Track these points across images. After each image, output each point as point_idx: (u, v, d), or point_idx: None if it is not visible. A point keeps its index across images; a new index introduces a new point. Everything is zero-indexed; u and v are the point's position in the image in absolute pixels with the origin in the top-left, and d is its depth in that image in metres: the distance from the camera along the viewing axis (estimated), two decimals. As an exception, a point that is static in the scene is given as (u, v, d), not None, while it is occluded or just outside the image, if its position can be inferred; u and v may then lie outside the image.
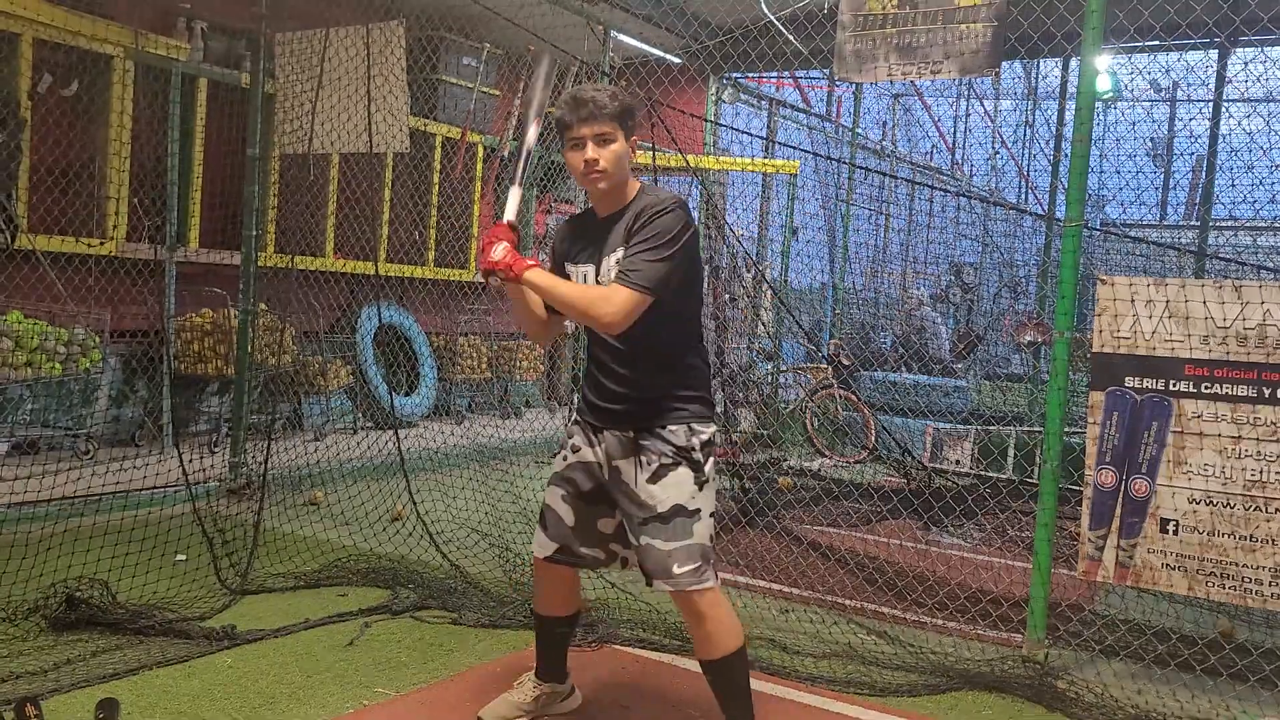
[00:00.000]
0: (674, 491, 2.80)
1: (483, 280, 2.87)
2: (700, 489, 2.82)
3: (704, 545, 2.80)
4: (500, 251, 2.78)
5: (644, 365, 2.87)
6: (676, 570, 2.76)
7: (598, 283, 2.86)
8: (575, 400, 7.80)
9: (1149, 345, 3.70)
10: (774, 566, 4.95)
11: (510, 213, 2.92)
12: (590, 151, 2.78)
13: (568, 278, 2.95)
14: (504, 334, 9.51)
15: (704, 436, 2.86)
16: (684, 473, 2.81)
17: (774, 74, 10.86)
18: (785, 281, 9.56)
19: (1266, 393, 3.53)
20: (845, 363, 8.75)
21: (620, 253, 2.80)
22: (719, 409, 6.86)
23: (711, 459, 2.87)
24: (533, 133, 3.00)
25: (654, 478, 2.81)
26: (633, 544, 2.89)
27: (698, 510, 2.80)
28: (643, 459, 2.83)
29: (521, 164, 3.00)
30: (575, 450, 3.01)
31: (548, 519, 3.04)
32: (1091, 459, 3.79)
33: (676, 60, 8.65)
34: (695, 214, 2.82)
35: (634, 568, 3.04)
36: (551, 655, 3.19)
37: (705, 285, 4.68)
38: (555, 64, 3.18)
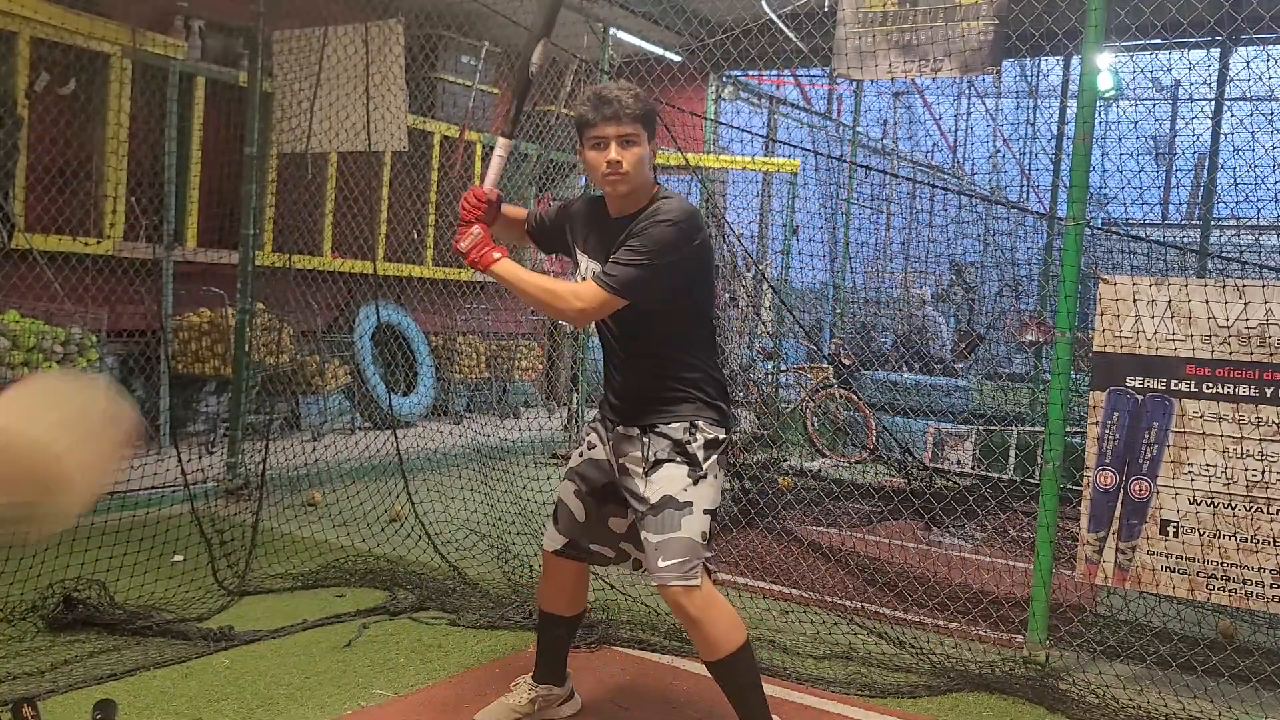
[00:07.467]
0: (666, 484, 2.77)
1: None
2: (695, 483, 2.77)
3: (692, 541, 2.73)
4: (470, 240, 2.77)
5: (649, 367, 2.87)
6: (660, 564, 2.71)
7: None
8: (574, 401, 7.84)
9: (1150, 345, 3.68)
10: (774, 567, 4.93)
11: (491, 178, 2.84)
12: (614, 153, 2.71)
13: (571, 254, 2.97)
14: (502, 333, 9.48)
15: (708, 435, 2.82)
16: (678, 467, 2.78)
17: (774, 72, 10.83)
18: (785, 280, 9.53)
19: (1268, 392, 3.52)
20: (846, 362, 8.72)
21: None
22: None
23: (713, 458, 2.82)
24: (538, 53, 2.85)
25: (649, 471, 2.80)
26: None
27: (689, 504, 2.75)
28: (645, 455, 2.83)
29: (519, 101, 2.86)
30: (591, 447, 3.02)
31: (559, 513, 3.04)
32: (1091, 459, 3.77)
33: (676, 58, 8.63)
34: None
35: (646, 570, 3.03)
36: (550, 656, 3.17)
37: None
38: None
